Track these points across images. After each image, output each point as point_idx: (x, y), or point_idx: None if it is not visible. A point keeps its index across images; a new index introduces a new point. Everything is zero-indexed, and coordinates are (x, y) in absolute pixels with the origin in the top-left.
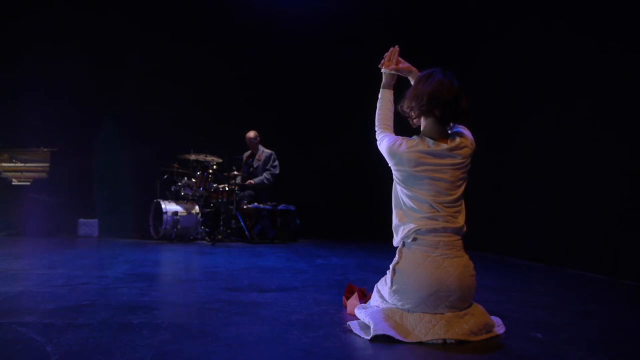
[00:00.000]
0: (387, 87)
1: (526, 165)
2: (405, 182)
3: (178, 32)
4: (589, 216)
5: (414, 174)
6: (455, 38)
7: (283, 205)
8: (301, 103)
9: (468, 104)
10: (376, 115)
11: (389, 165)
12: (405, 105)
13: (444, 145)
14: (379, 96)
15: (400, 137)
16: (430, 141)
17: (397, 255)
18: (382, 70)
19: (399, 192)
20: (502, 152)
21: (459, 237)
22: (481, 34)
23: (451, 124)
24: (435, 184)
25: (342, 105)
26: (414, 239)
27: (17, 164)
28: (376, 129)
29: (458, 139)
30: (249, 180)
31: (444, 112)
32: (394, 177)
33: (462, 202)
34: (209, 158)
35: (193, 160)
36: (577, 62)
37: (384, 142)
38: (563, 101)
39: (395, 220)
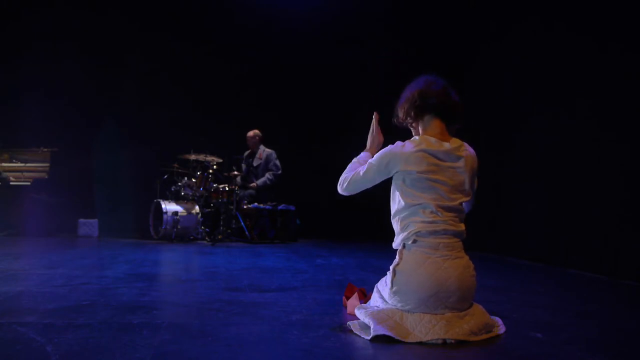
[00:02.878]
0: (367, 150)
1: (526, 165)
2: (407, 186)
3: (178, 32)
4: (589, 216)
5: (417, 176)
6: (456, 38)
7: (283, 205)
8: (301, 103)
9: (461, 103)
10: (348, 166)
11: (391, 173)
12: (400, 115)
13: (447, 144)
14: (358, 156)
15: (397, 142)
16: (433, 139)
17: (397, 257)
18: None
19: (399, 198)
20: (502, 152)
21: (459, 240)
22: (481, 34)
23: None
24: (436, 187)
25: (342, 105)
26: (414, 241)
27: (17, 164)
28: (344, 174)
29: (460, 142)
30: (253, 183)
31: (438, 103)
32: (393, 185)
33: (464, 213)
34: (209, 158)
35: (193, 160)
36: (577, 62)
37: (377, 156)
38: (563, 101)
39: (395, 226)
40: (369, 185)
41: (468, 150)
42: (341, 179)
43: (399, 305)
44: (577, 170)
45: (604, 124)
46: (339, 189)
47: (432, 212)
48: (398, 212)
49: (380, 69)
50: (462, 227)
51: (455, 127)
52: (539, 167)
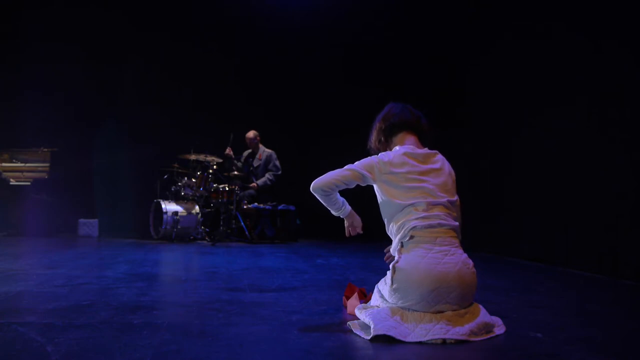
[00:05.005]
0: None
1: (526, 165)
2: (395, 188)
3: (178, 32)
4: (589, 216)
5: (404, 176)
6: (455, 39)
7: (283, 205)
8: (301, 103)
9: (423, 116)
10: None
11: (375, 176)
12: (374, 146)
13: (424, 149)
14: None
15: (380, 153)
16: (411, 146)
17: (396, 255)
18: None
19: (389, 201)
20: (502, 152)
21: (455, 235)
22: (481, 34)
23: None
24: (423, 185)
25: (342, 105)
26: (411, 237)
27: (17, 164)
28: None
29: (435, 151)
30: (253, 183)
31: (400, 120)
32: (380, 192)
33: (457, 212)
34: (209, 158)
35: (193, 160)
36: (576, 63)
37: (362, 160)
38: (563, 102)
39: (392, 231)
40: (347, 182)
41: (444, 159)
42: (317, 180)
43: (399, 302)
44: (577, 170)
45: (604, 124)
46: (312, 185)
47: (424, 209)
48: (391, 215)
49: (381, 69)
50: (457, 223)
51: (427, 139)
52: (539, 167)
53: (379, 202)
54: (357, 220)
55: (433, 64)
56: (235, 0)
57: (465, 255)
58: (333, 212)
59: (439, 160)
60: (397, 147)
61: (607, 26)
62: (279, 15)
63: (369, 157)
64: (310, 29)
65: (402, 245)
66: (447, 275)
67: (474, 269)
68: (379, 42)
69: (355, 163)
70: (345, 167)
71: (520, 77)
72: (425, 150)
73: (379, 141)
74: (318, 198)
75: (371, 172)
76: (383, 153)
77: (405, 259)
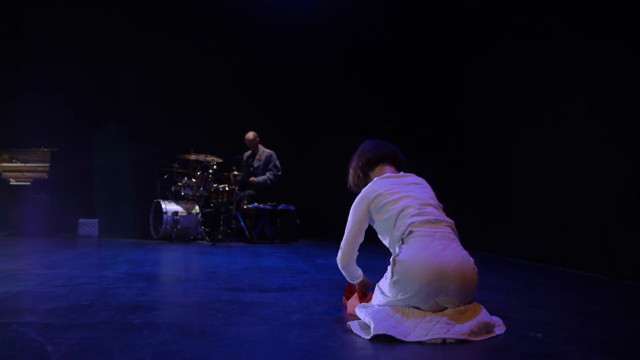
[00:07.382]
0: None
1: (526, 165)
2: (384, 203)
3: (178, 32)
4: (589, 216)
5: (388, 192)
6: (455, 39)
7: (283, 205)
8: (302, 103)
9: (402, 155)
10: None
11: (371, 211)
12: (354, 184)
13: (400, 173)
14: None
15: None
16: (388, 173)
17: (397, 249)
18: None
19: (386, 222)
20: (502, 151)
21: (453, 231)
22: (481, 34)
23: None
24: (410, 192)
25: (342, 105)
26: (410, 232)
27: (17, 164)
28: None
29: (412, 173)
30: (252, 178)
31: (375, 153)
32: (376, 220)
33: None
34: (209, 158)
35: (193, 160)
36: (576, 63)
37: (351, 215)
38: (563, 101)
39: (393, 241)
40: (359, 234)
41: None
42: (338, 256)
43: (399, 295)
44: (577, 170)
45: (604, 124)
46: (339, 263)
47: (417, 208)
48: (390, 224)
49: (381, 69)
50: (452, 221)
51: (405, 169)
52: (539, 167)
53: (380, 237)
54: (369, 283)
55: (433, 64)
56: (235, 0)
57: (465, 252)
58: (354, 281)
59: (419, 179)
60: (375, 179)
61: (607, 26)
62: (279, 15)
63: (356, 200)
64: (310, 29)
65: (402, 242)
66: (447, 267)
67: (475, 266)
68: (379, 42)
69: (349, 217)
70: (347, 227)
71: (520, 77)
72: (402, 173)
73: (358, 177)
74: (346, 273)
75: (365, 206)
76: (364, 188)
77: (406, 252)
